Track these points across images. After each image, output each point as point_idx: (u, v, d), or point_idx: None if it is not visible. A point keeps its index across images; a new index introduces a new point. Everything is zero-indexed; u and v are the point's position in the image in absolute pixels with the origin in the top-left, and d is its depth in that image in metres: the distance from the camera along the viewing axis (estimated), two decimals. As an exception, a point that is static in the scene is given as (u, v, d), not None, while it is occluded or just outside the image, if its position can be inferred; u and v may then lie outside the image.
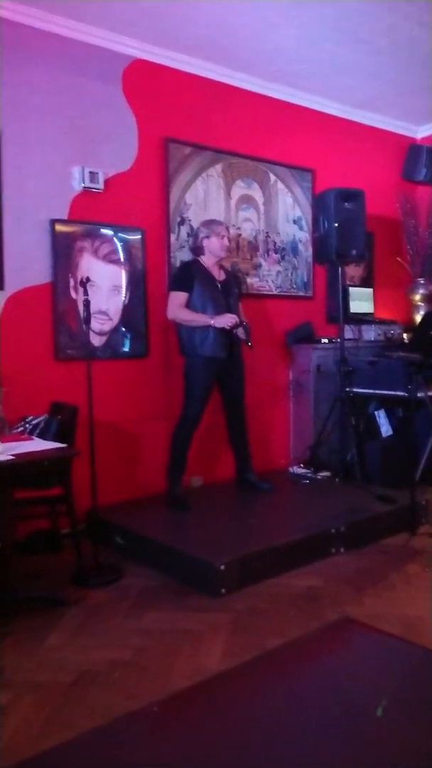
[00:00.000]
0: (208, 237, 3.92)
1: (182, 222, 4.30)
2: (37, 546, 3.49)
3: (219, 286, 3.94)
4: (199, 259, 3.97)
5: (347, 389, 4.37)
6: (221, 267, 4.05)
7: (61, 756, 1.02)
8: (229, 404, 4.08)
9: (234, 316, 3.81)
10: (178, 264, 4.17)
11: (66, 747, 1.06)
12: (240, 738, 1.05)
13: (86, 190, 3.85)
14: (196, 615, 2.76)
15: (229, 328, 3.79)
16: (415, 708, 1.14)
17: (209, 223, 3.99)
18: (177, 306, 3.86)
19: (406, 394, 4.00)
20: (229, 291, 3.97)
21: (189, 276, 3.87)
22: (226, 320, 3.78)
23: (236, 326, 3.81)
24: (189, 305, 3.86)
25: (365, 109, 5.21)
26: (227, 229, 4.04)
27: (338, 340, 4.48)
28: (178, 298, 3.87)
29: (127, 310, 4.07)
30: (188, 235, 4.24)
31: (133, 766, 0.97)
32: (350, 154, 5.24)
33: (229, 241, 4.14)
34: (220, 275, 3.99)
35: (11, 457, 2.64)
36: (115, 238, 4.01)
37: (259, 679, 1.19)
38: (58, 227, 3.76)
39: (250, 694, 1.14)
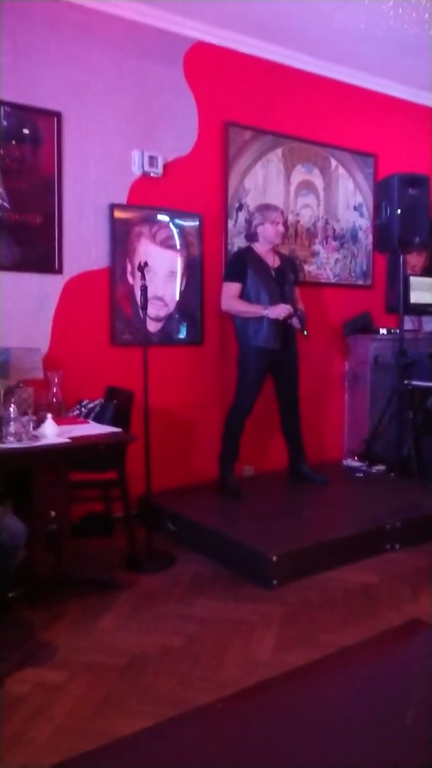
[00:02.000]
0: (262, 224, 3.84)
1: (240, 208, 4.24)
2: (90, 529, 3.53)
3: (273, 273, 3.86)
4: (253, 246, 3.90)
5: (405, 382, 4.25)
6: (276, 253, 3.97)
7: (123, 749, 1.00)
8: (283, 395, 4.02)
9: (288, 306, 3.73)
10: (234, 250, 4.12)
11: (128, 740, 1.04)
12: (302, 740, 1.01)
13: (145, 175, 3.83)
14: (248, 605, 2.73)
15: (283, 318, 3.71)
16: None
17: (263, 209, 3.91)
18: (231, 297, 3.81)
19: (468, 389, 3.86)
20: (284, 278, 3.89)
21: (241, 266, 3.81)
22: (280, 311, 3.70)
23: (291, 316, 3.73)
24: (243, 295, 3.80)
25: (432, 91, 5.01)
26: (282, 214, 3.93)
27: (397, 331, 4.35)
28: (231, 289, 3.82)
29: (183, 297, 4.04)
30: (246, 221, 4.18)
31: (195, 763, 0.94)
32: (415, 138, 5.06)
33: (286, 227, 4.04)
34: (274, 262, 3.91)
35: (67, 440, 2.65)
36: (172, 224, 3.98)
37: (323, 680, 1.14)
38: (117, 212, 3.76)
39: (314, 696, 1.09)
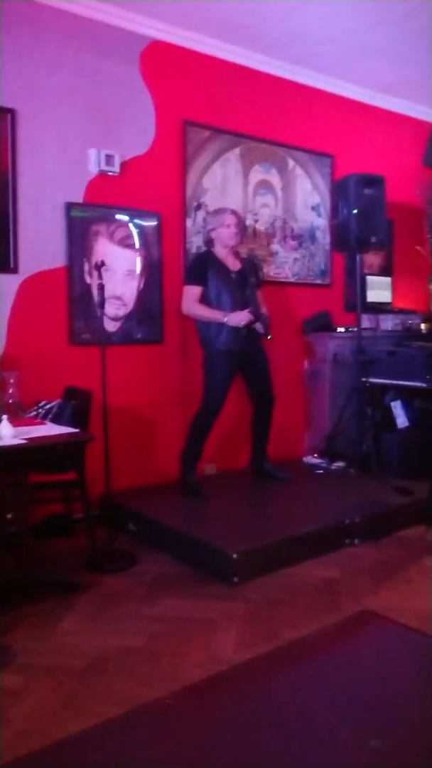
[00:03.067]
0: (215, 229, 3.85)
1: (199, 207, 4.23)
2: (51, 530, 3.48)
3: (234, 276, 3.85)
4: (213, 251, 3.90)
5: (364, 379, 4.31)
6: (236, 256, 3.97)
7: (73, 747, 0.99)
8: (258, 394, 4.00)
9: (246, 313, 3.69)
10: (193, 250, 4.12)
11: (78, 738, 1.03)
12: (255, 733, 1.01)
13: (102, 174, 3.79)
14: (210, 603, 2.73)
15: (243, 325, 3.71)
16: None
17: (215, 214, 3.92)
18: (191, 300, 3.80)
19: (425, 385, 3.94)
20: (245, 281, 3.87)
21: (202, 269, 3.80)
22: (240, 318, 3.68)
23: (253, 322, 3.72)
24: (204, 298, 3.79)
25: (388, 93, 5.10)
26: (234, 214, 3.89)
27: (356, 329, 4.41)
28: (192, 292, 3.80)
29: (142, 296, 4.02)
30: (204, 220, 4.18)
31: (145, 759, 0.93)
32: (371, 139, 5.15)
33: (240, 227, 3.98)
34: (234, 265, 3.90)
35: (24, 441, 2.61)
36: (130, 223, 3.95)
37: (276, 672, 1.15)
38: (74, 211, 3.71)
39: (266, 688, 1.10)
